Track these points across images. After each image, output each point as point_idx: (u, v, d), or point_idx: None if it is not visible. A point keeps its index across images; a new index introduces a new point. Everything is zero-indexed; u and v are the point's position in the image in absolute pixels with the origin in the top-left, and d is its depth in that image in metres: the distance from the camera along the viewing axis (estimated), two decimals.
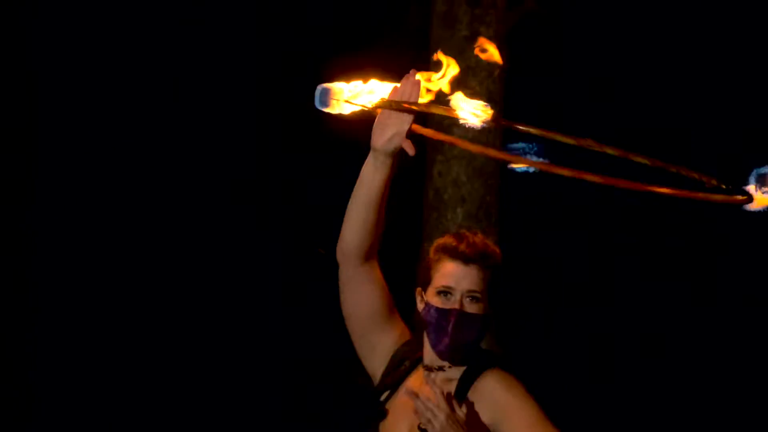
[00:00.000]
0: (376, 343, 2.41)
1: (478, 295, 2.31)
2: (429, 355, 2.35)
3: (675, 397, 6.67)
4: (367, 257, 2.34)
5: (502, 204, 4.94)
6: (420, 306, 2.37)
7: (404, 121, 2.19)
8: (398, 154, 2.24)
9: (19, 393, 6.43)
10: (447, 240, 2.38)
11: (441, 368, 2.34)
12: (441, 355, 2.32)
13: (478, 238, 2.39)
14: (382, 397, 2.38)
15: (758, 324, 6.61)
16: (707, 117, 6.64)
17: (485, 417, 2.29)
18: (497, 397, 2.31)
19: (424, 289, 2.36)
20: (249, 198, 6.83)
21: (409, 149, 2.22)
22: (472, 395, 2.31)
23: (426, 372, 2.33)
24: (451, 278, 2.30)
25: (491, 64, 4.52)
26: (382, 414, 2.35)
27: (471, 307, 2.31)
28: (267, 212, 6.84)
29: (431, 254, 2.38)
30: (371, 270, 2.36)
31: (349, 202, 2.31)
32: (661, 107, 6.68)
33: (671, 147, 5.86)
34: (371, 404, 2.39)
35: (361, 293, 2.37)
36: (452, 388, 2.31)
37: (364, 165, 2.28)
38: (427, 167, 4.88)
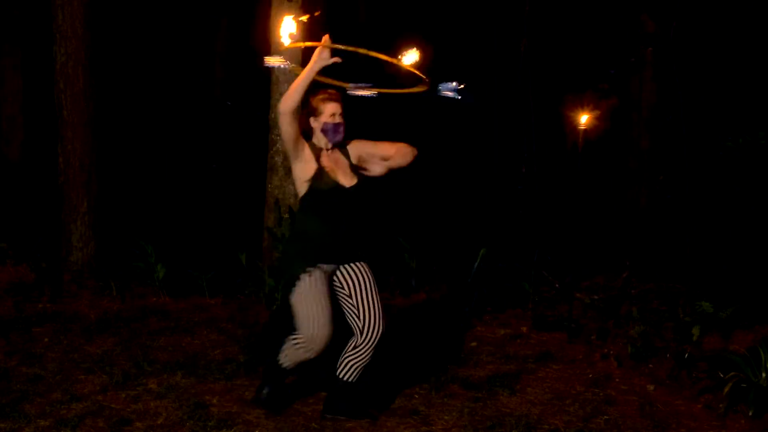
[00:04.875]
0: (302, 148, 5.33)
1: (341, 113, 5.36)
2: (327, 144, 5.40)
3: None
4: (297, 112, 5.23)
5: None
6: (316, 125, 5.37)
7: (320, 59, 5.12)
8: (313, 69, 5.16)
9: None
10: (324, 94, 5.35)
11: (335, 149, 5.42)
12: (335, 144, 5.40)
13: (333, 91, 5.38)
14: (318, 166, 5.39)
15: None
16: None
17: (354, 157, 5.43)
18: (355, 147, 5.44)
19: (317, 117, 5.35)
20: None
21: (326, 60, 5.12)
22: (349, 150, 5.44)
23: (329, 151, 5.41)
24: (334, 109, 5.34)
25: None
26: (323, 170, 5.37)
27: (342, 120, 5.37)
28: None
29: (317, 101, 5.32)
30: (297, 117, 5.25)
31: (294, 92, 5.13)
32: None
33: None
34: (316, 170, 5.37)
35: (294, 127, 5.23)
36: (340, 154, 5.42)
37: (306, 76, 5.17)
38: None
